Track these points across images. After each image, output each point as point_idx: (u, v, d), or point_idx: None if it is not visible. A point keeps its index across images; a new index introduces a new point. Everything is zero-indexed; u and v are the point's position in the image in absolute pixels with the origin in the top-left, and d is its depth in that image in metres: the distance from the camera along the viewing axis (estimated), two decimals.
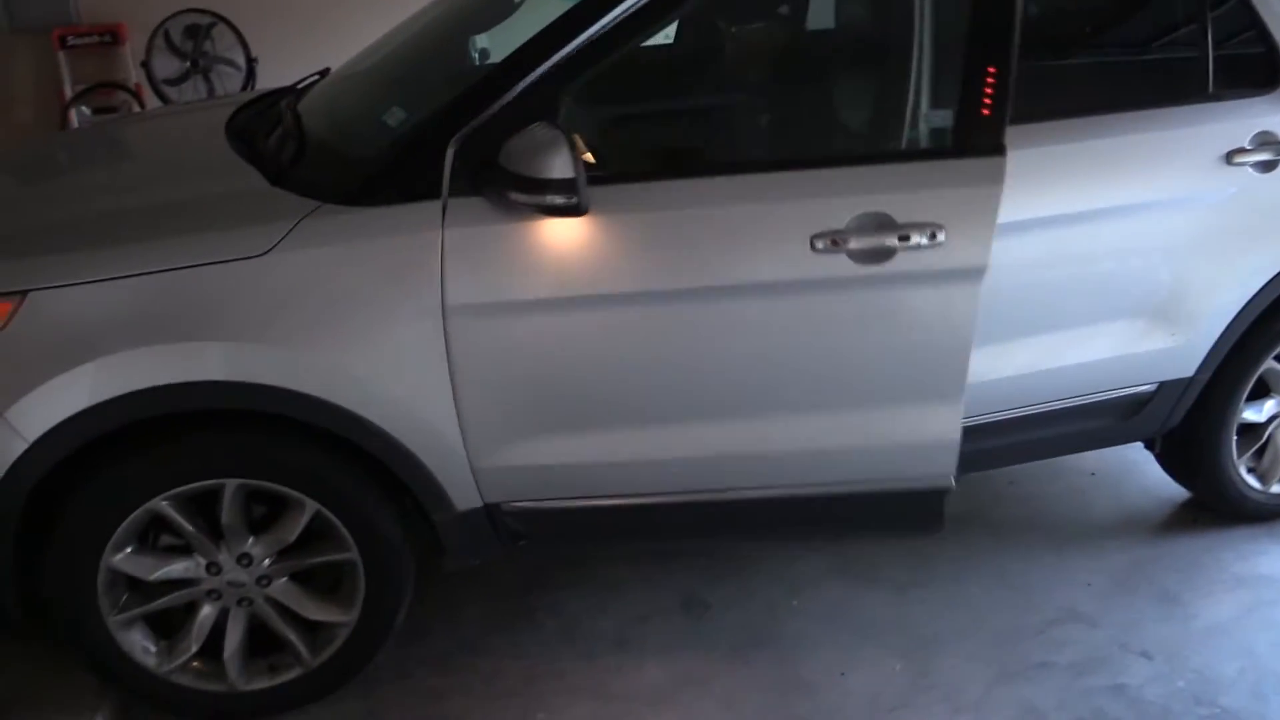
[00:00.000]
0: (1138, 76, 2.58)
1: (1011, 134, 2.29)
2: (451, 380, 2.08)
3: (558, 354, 2.12)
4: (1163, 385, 2.68)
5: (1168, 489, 3.15)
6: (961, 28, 2.16)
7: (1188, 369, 2.68)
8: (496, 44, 2.85)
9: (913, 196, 2.08)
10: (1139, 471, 3.28)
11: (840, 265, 2.08)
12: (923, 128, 2.28)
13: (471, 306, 2.05)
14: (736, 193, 2.10)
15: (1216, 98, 2.53)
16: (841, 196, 2.08)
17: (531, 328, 2.09)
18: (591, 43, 2.07)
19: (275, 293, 1.98)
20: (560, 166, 1.90)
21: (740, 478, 2.28)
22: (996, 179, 2.08)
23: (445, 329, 2.05)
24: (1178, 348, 2.63)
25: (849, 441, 2.25)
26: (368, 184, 2.07)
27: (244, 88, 5.84)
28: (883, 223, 2.07)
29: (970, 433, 2.53)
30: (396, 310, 2.03)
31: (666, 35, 3.03)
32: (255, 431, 2.09)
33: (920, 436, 2.25)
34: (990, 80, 2.08)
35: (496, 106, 2.03)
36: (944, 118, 2.19)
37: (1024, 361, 2.50)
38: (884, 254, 2.08)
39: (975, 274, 2.11)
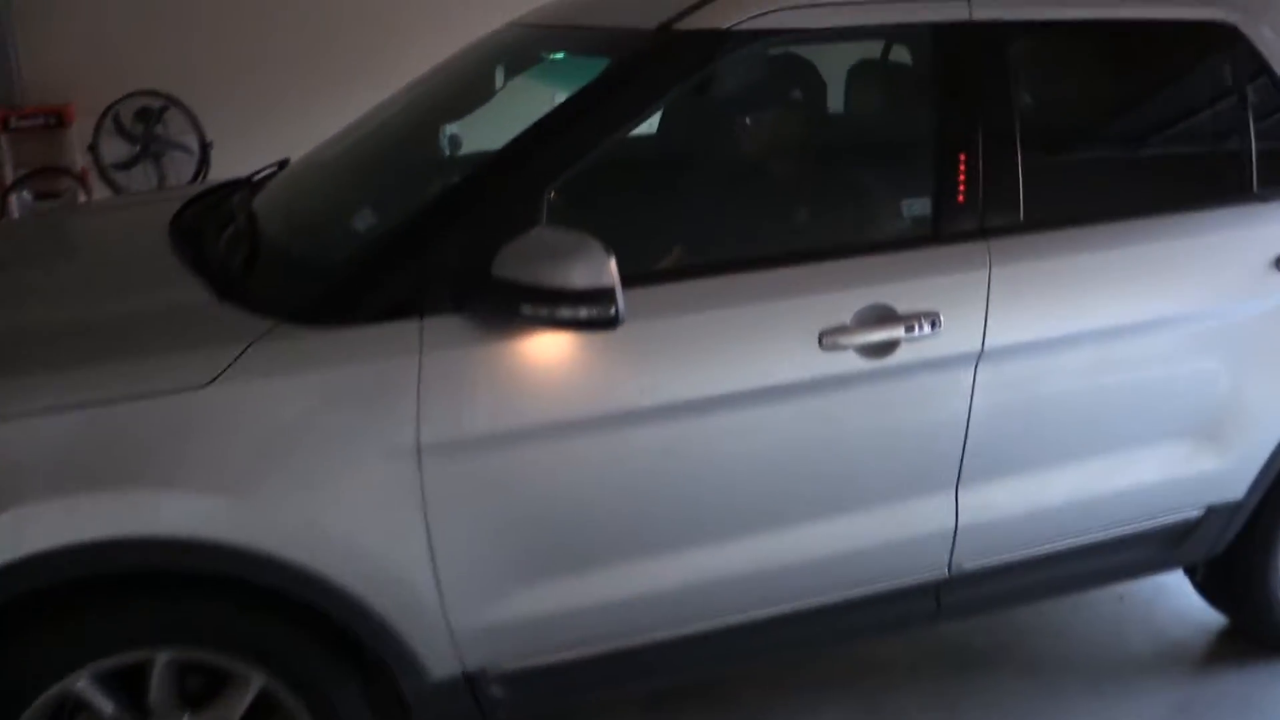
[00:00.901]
0: (1178, 176, 2.38)
1: (1046, 241, 2.13)
2: (427, 529, 1.77)
3: (552, 487, 1.86)
4: (1210, 510, 2.44)
5: (1202, 615, 2.88)
6: (936, 118, 2.11)
7: (1236, 492, 2.44)
8: (470, 133, 2.61)
9: (910, 285, 1.99)
10: (1169, 594, 3.02)
11: (848, 361, 1.95)
12: (914, 216, 2.15)
13: (452, 443, 1.76)
14: (742, 292, 1.92)
15: (1261, 199, 2.34)
16: (844, 290, 1.94)
17: (522, 461, 1.82)
18: (589, 136, 1.85)
19: (219, 432, 1.67)
20: (593, 274, 1.65)
21: (755, 599, 2.08)
22: (982, 263, 2.01)
23: (420, 470, 1.75)
24: (1226, 470, 2.40)
25: (859, 543, 2.10)
26: (331, 300, 1.78)
27: (197, 173, 5.56)
28: (885, 315, 1.95)
29: (1011, 570, 2.29)
30: (362, 450, 1.73)
31: (650, 125, 2.82)
32: (191, 592, 1.76)
33: (921, 528, 2.14)
34: (963, 168, 2.05)
35: (486, 209, 1.78)
36: (927, 206, 2.11)
37: (1067, 489, 2.25)
38: (889, 346, 1.95)
39: (972, 358, 2.03)
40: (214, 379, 1.67)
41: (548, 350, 1.78)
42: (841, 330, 1.94)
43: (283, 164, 2.72)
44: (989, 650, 2.78)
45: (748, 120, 2.22)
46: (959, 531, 2.18)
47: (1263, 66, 2.36)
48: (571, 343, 1.79)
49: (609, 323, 1.65)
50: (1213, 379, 2.32)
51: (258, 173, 2.67)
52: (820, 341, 1.92)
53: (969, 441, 2.11)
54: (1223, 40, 2.35)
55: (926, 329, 1.98)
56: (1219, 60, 2.38)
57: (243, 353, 1.70)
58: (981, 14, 2.08)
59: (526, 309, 1.67)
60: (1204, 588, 2.76)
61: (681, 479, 1.93)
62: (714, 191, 2.18)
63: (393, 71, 3.00)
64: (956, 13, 2.08)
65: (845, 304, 1.95)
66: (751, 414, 1.93)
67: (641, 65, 1.95)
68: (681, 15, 1.98)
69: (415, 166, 2.30)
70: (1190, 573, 2.71)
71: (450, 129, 2.58)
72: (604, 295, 1.64)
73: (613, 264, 1.64)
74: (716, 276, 1.91)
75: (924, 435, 2.09)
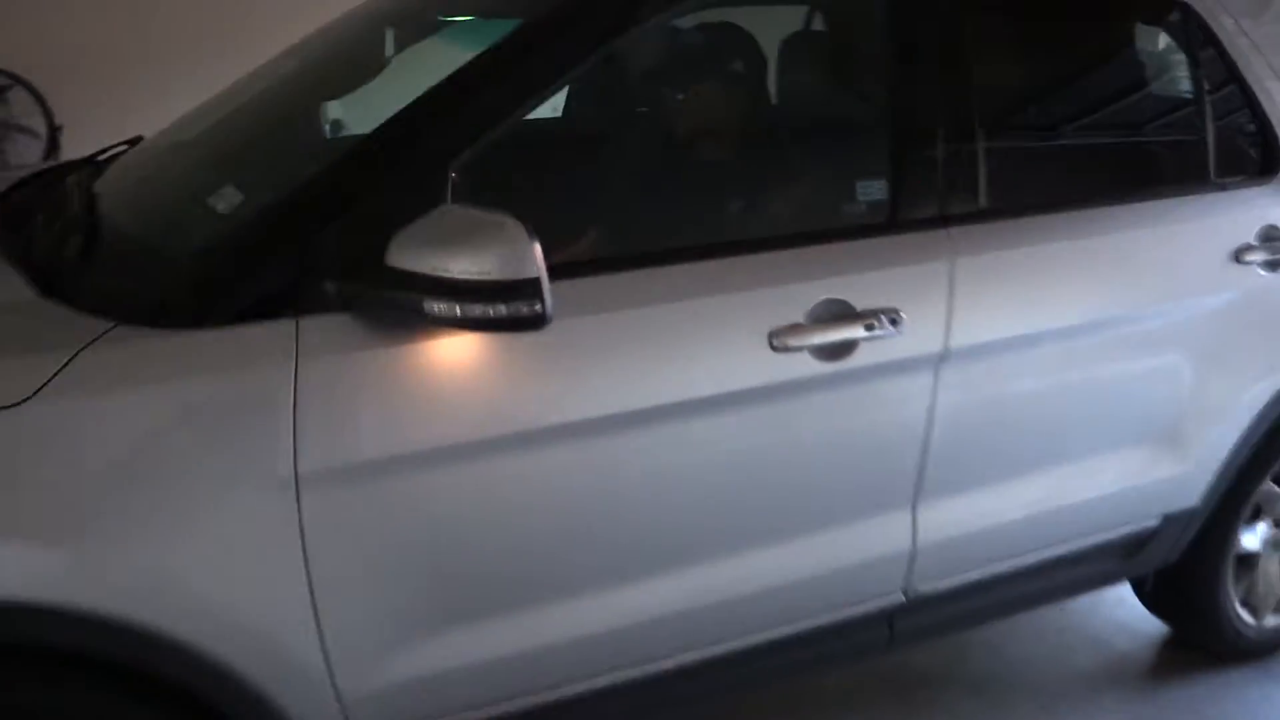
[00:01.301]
0: (1136, 161, 2.23)
1: (1007, 230, 1.93)
2: (308, 576, 1.45)
3: (461, 519, 1.56)
4: (1167, 519, 2.29)
5: (1143, 624, 2.77)
6: (890, 92, 1.88)
7: (1192, 498, 2.31)
8: (354, 106, 2.27)
9: (868, 279, 1.76)
10: (1106, 603, 2.89)
11: (802, 364, 1.71)
12: (869, 202, 1.91)
13: (338, 470, 1.44)
14: (681, 286, 1.64)
15: (1220, 187, 2.19)
16: (796, 284, 1.70)
17: (424, 489, 1.52)
18: (501, 103, 1.56)
19: (39, 463, 1.32)
20: (513, 262, 1.35)
21: (692, 638, 1.82)
22: (944, 253, 1.82)
23: (299, 505, 1.43)
24: (1183, 475, 2.26)
25: (809, 571, 1.86)
26: (184, 295, 1.45)
27: (45, 159, 5.01)
28: (842, 311, 1.71)
29: (968, 591, 2.10)
30: (224, 482, 1.40)
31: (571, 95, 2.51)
32: (8, 666, 1.40)
33: (876, 550, 1.92)
34: (921, 147, 1.84)
35: (378, 186, 1.48)
36: (884, 190, 1.87)
37: (1028, 502, 2.07)
38: (847, 348, 1.73)
39: (934, 359, 1.82)
40: (32, 395, 1.32)
41: (455, 355, 1.48)
42: (794, 330, 1.69)
43: (134, 142, 2.34)
44: (938, 674, 2.59)
45: (683, 91, 1.95)
46: (916, 552, 1.96)
47: (1216, 46, 2.22)
48: (483, 346, 1.49)
49: (534, 321, 1.36)
50: (1173, 379, 2.17)
51: (103, 151, 2.28)
52: (770, 342, 1.67)
53: (929, 452, 1.89)
54: (1176, 18, 2.20)
55: (887, 327, 1.75)
56: (1174, 40, 2.23)
57: (69, 361, 1.35)
58: None
59: (430, 305, 1.36)
60: (1151, 598, 2.63)
61: (611, 504, 1.66)
62: (645, 172, 1.90)
63: (270, 50, 2.63)
64: None
65: (798, 299, 1.70)
66: (692, 427, 1.67)
67: (560, 22, 1.66)
68: None
69: (290, 142, 1.96)
70: (1139, 585, 2.58)
71: (331, 102, 2.24)
72: (527, 288, 1.34)
73: (537, 249, 1.35)
74: (651, 268, 1.63)
75: (881, 446, 1.86)
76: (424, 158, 1.51)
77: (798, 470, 1.79)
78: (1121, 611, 2.84)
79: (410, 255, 1.38)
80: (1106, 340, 2.06)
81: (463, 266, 1.34)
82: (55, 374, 1.34)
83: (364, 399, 1.45)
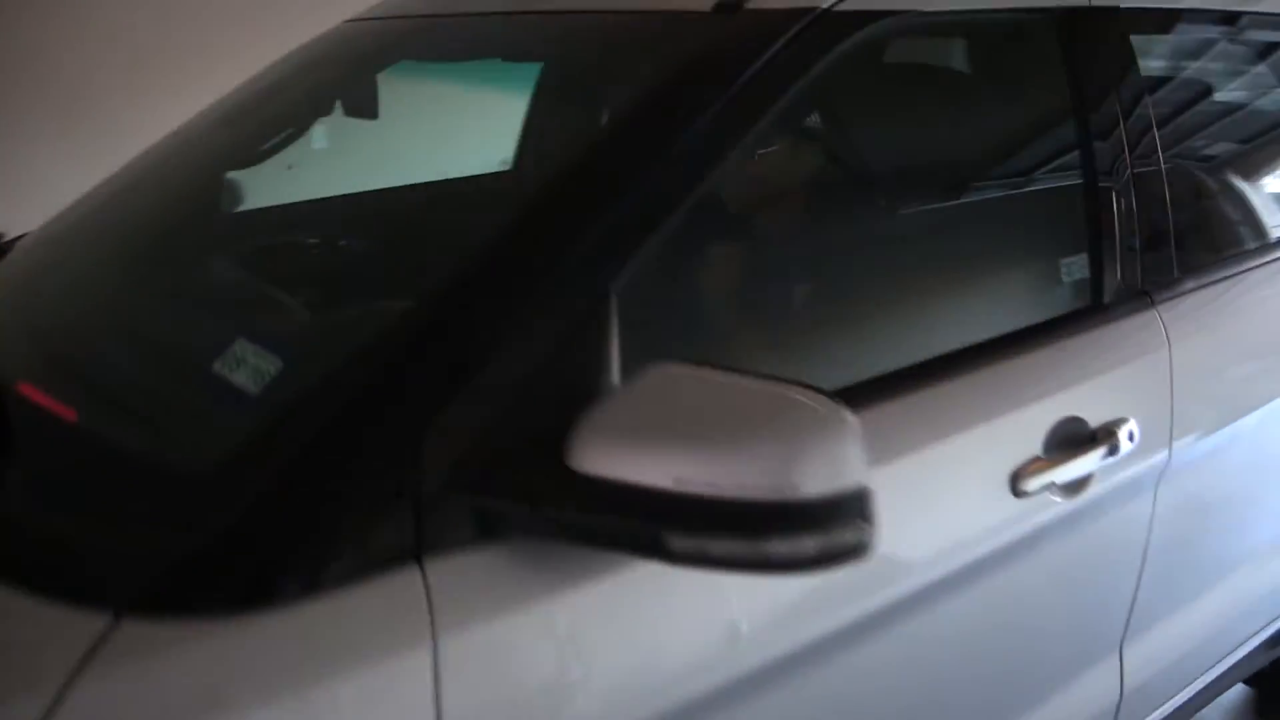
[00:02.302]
0: None
1: (1206, 300, 1.58)
2: None
3: None
4: None
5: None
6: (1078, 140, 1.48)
7: None
8: (255, 186, 1.68)
9: (1095, 385, 1.37)
10: None
11: (1045, 507, 1.29)
12: (1073, 282, 1.50)
13: None
14: (906, 425, 1.18)
15: None
16: (1032, 404, 1.29)
17: None
18: (668, 183, 1.07)
19: None
20: (829, 467, 0.83)
21: None
22: (1159, 341, 1.45)
23: None
24: None
25: None
26: (222, 553, 0.87)
27: None
28: (1077, 433, 1.31)
29: None
30: None
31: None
32: None
33: (1086, 710, 1.54)
34: (1117, 207, 1.46)
35: (534, 322, 0.96)
36: (1084, 266, 1.46)
37: (1216, 613, 1.75)
38: (1085, 479, 1.32)
39: (1157, 473, 1.46)
40: None
41: (662, 587, 0.98)
42: (1036, 465, 1.27)
43: (4, 248, 1.64)
44: None
45: (871, 151, 1.49)
46: (1123, 700, 1.59)
47: None
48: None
49: (853, 553, 0.87)
50: None
51: None
52: (1013, 485, 1.25)
53: (1141, 584, 1.53)
54: None
55: (1125, 445, 1.36)
56: None
57: (62, 694, 0.77)
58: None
59: (678, 543, 0.85)
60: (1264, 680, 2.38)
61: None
62: (836, 267, 1.39)
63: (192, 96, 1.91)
64: None
65: (1035, 424, 1.28)
66: (919, 616, 1.22)
67: (709, 65, 1.17)
68: None
69: (331, 246, 1.37)
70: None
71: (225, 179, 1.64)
72: (851, 506, 0.85)
73: (859, 440, 0.86)
74: (879, 402, 1.16)
75: (1100, 589, 1.49)
76: (578, 278, 0.99)
77: (1016, 638, 1.38)
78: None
79: (619, 454, 0.86)
80: None
81: (727, 477, 0.84)
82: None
83: (547, 675, 0.93)
